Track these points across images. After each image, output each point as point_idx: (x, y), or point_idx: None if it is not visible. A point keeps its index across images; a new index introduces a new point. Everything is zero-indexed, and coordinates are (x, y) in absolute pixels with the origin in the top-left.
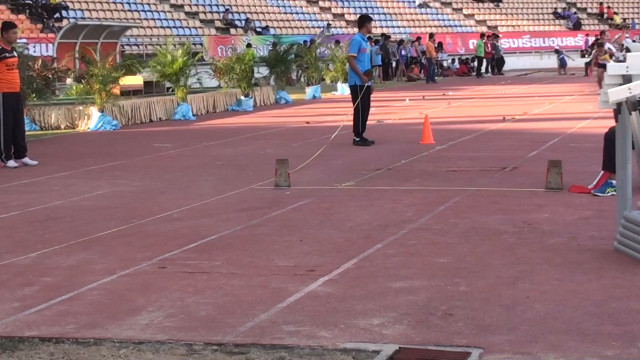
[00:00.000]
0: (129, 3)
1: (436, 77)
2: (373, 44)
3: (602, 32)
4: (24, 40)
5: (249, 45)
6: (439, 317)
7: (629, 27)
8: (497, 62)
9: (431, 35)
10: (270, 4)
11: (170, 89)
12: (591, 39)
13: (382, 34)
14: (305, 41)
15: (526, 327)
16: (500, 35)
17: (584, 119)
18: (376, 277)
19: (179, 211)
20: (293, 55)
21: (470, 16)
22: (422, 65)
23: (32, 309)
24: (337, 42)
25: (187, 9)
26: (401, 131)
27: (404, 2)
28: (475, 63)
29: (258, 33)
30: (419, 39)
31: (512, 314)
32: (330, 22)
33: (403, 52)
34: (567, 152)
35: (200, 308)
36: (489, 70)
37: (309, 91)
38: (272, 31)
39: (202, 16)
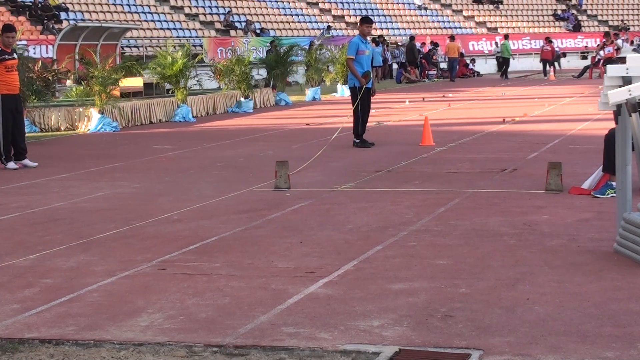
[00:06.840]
0: (129, 5)
1: (435, 79)
2: (374, 45)
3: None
4: (24, 42)
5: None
6: (439, 319)
7: (628, 29)
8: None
9: (452, 37)
10: (271, 5)
11: (170, 91)
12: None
13: (379, 36)
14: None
15: (526, 328)
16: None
17: (584, 121)
18: (376, 278)
19: (179, 213)
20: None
21: (470, 18)
22: (422, 66)
23: (32, 311)
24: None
25: (187, 10)
26: (401, 133)
27: (404, 3)
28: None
29: (258, 35)
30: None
31: (512, 315)
32: (330, 24)
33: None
34: (567, 153)
35: (200, 310)
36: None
37: (309, 93)
38: (272, 33)
39: (202, 18)
